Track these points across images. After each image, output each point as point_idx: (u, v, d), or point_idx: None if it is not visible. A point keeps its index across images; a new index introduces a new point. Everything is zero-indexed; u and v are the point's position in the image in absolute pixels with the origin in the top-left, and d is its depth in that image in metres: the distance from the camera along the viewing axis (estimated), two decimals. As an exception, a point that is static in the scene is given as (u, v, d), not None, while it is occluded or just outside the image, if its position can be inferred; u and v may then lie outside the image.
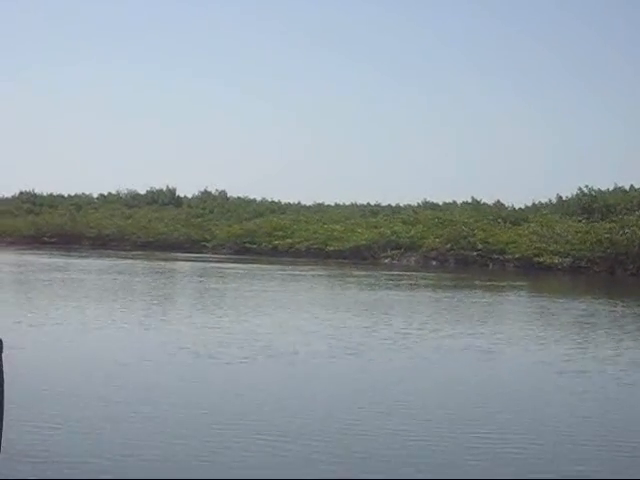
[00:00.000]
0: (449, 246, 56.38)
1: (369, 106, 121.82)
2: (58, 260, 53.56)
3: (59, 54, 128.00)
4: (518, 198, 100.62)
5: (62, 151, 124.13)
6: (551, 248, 51.10)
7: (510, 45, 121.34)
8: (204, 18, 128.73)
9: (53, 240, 76.91)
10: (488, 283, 40.69)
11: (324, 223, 66.92)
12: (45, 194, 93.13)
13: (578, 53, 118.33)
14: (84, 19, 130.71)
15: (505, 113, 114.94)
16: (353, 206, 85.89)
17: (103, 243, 75.83)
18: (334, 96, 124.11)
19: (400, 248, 59.69)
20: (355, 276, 43.99)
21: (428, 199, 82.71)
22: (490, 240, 54.73)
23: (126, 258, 57.84)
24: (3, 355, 5.12)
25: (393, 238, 60.16)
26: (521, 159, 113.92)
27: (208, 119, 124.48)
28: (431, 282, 41.15)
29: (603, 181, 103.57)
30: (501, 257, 53.98)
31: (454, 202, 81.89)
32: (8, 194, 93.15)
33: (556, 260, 50.44)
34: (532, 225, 54.28)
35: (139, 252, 66.81)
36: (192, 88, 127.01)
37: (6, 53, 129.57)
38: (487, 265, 54.82)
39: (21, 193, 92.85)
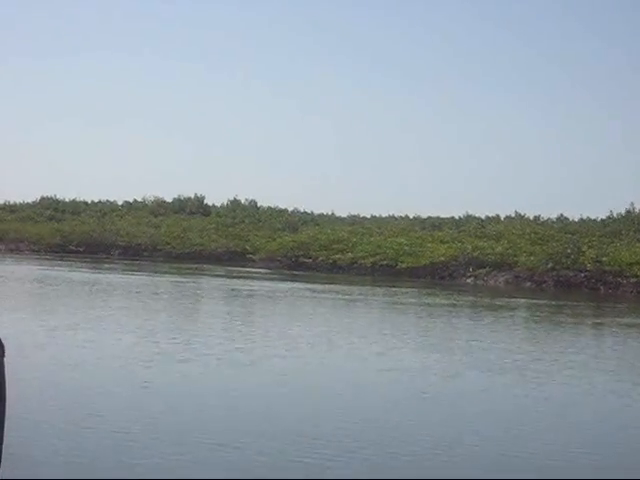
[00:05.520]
0: (550, 265, 44.16)
1: (394, 116, 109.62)
2: (98, 276, 41.25)
3: (79, 54, 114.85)
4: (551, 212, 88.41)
5: (84, 156, 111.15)
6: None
7: (533, 56, 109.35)
8: (237, 25, 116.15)
9: (80, 249, 64.43)
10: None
11: (388, 236, 54.69)
12: (67, 200, 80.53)
13: (599, 65, 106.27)
14: (118, 19, 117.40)
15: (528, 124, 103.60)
16: (390, 218, 74.64)
17: (134, 253, 63.43)
18: (362, 107, 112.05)
19: (485, 266, 47.51)
20: (514, 308, 31.65)
21: (470, 212, 71.89)
22: (604, 259, 42.59)
23: (170, 273, 45.71)
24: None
25: (476, 254, 47.96)
26: (545, 172, 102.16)
27: (235, 127, 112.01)
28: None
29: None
30: (621, 280, 41.83)
31: (497, 216, 70.82)
32: (29, 199, 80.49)
33: None
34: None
35: (179, 265, 54.51)
36: (219, 95, 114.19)
37: (24, 52, 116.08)
38: (597, 289, 42.79)
39: (42, 198, 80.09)
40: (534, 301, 34.55)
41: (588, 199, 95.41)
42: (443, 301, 32.05)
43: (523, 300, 34.80)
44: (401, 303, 31.08)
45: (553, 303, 33.85)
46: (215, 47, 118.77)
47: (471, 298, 34.79)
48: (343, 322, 24.32)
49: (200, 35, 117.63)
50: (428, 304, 30.43)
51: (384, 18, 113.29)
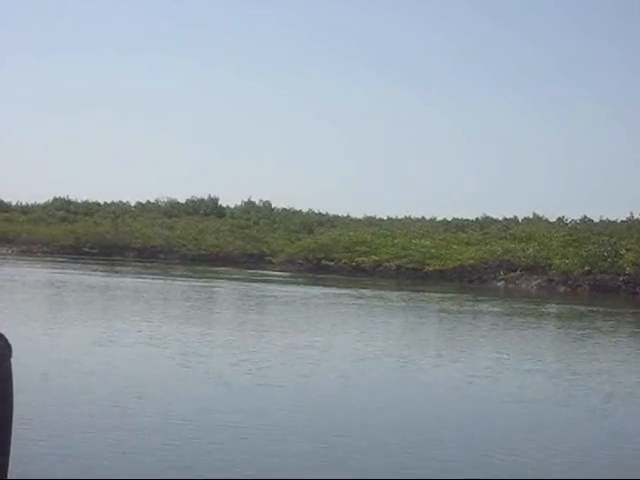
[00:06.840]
0: (586, 269, 41.70)
1: (404, 118, 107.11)
2: (116, 280, 38.94)
3: (86, 52, 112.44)
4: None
5: (96, 157, 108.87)
6: None
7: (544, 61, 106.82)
8: (252, 26, 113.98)
9: (94, 251, 62.03)
10: None
11: (411, 238, 52.21)
12: (80, 201, 78.08)
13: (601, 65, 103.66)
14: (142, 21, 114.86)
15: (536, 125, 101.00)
16: (407, 219, 71.84)
17: (149, 255, 61.08)
18: (374, 108, 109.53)
19: (516, 270, 45.06)
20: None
21: (488, 214, 69.26)
22: (643, 263, 40.18)
23: (190, 277, 43.30)
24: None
25: (506, 257, 45.49)
26: (551, 174, 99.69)
27: (248, 128, 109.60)
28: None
29: None
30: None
31: (515, 217, 68.08)
32: (41, 200, 78.05)
33: None
34: None
35: (196, 267, 52.05)
36: (232, 96, 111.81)
37: (25, 50, 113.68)
38: (636, 293, 40.34)
39: (55, 199, 77.67)
40: (593, 308, 31.91)
41: (593, 200, 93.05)
42: (496, 309, 29.39)
43: (580, 307, 32.18)
44: (454, 312, 28.59)
45: (619, 311, 31.28)
46: (230, 48, 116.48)
47: (525, 305, 32.10)
48: (408, 333, 21.98)
49: (215, 36, 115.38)
50: (481, 312, 27.95)
51: (396, 19, 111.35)
